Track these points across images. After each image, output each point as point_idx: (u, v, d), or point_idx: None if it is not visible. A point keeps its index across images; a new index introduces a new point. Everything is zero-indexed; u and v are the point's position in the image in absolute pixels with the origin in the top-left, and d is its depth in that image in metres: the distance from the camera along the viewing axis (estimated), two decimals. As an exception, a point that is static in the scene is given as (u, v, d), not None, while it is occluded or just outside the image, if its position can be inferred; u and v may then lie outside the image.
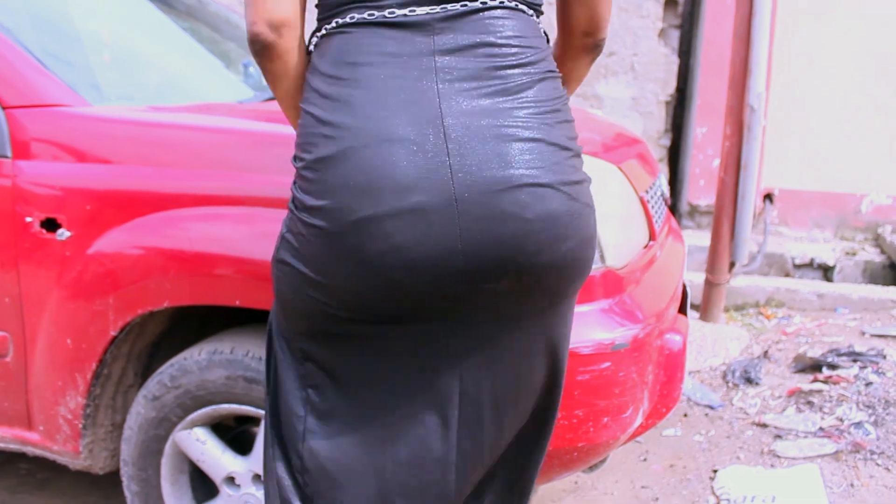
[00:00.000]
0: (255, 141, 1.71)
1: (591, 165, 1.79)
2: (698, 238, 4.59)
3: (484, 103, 1.13)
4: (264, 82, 1.51)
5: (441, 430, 1.25)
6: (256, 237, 1.60)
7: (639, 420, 1.71)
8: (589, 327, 1.57)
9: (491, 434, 1.30)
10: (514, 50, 1.17)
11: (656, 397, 1.77)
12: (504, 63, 1.16)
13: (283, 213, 1.27)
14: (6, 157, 1.80)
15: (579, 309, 1.59)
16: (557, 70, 1.24)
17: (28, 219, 1.77)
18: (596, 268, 1.61)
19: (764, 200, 4.87)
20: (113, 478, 2.36)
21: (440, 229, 1.10)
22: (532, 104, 1.16)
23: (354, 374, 1.23)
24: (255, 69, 2.50)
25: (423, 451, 1.25)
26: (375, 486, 1.26)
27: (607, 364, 1.56)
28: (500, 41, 1.16)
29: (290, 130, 1.40)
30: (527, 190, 1.12)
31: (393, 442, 1.25)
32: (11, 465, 2.63)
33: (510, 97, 1.15)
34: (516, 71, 1.17)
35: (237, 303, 1.65)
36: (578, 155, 1.22)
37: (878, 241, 4.82)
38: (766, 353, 3.36)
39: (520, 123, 1.14)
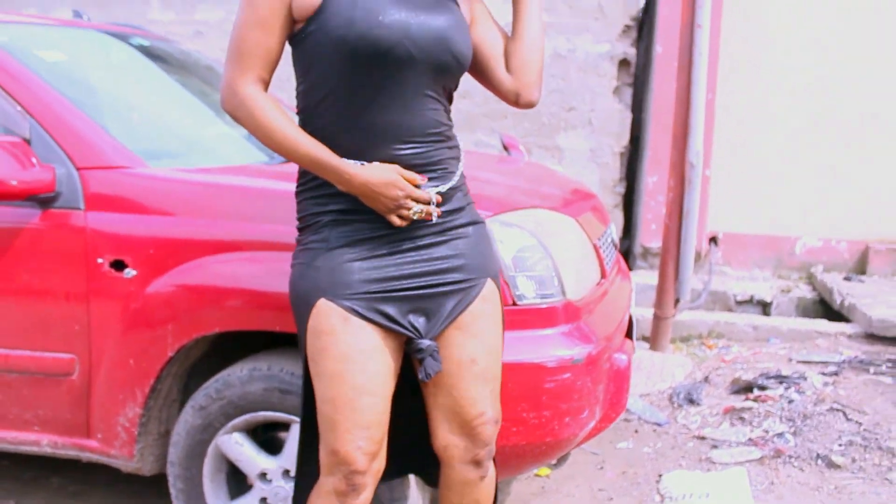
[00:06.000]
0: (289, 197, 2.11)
1: (555, 219, 2.26)
2: (651, 277, 5.05)
3: None
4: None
5: None
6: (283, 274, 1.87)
7: (594, 422, 2.15)
8: (553, 346, 2.03)
9: None
10: None
11: (607, 404, 2.22)
12: None
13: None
14: (79, 208, 2.20)
15: (545, 332, 2.04)
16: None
17: (99, 260, 2.17)
18: (558, 300, 2.07)
19: (710, 243, 5.38)
20: (142, 488, 2.69)
21: None
22: None
23: None
24: None
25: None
26: None
27: (568, 375, 2.01)
28: None
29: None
30: None
31: None
32: (45, 480, 2.92)
33: None
34: None
35: (277, 328, 2.06)
36: None
37: (810, 280, 5.36)
38: (706, 378, 3.84)
39: None
